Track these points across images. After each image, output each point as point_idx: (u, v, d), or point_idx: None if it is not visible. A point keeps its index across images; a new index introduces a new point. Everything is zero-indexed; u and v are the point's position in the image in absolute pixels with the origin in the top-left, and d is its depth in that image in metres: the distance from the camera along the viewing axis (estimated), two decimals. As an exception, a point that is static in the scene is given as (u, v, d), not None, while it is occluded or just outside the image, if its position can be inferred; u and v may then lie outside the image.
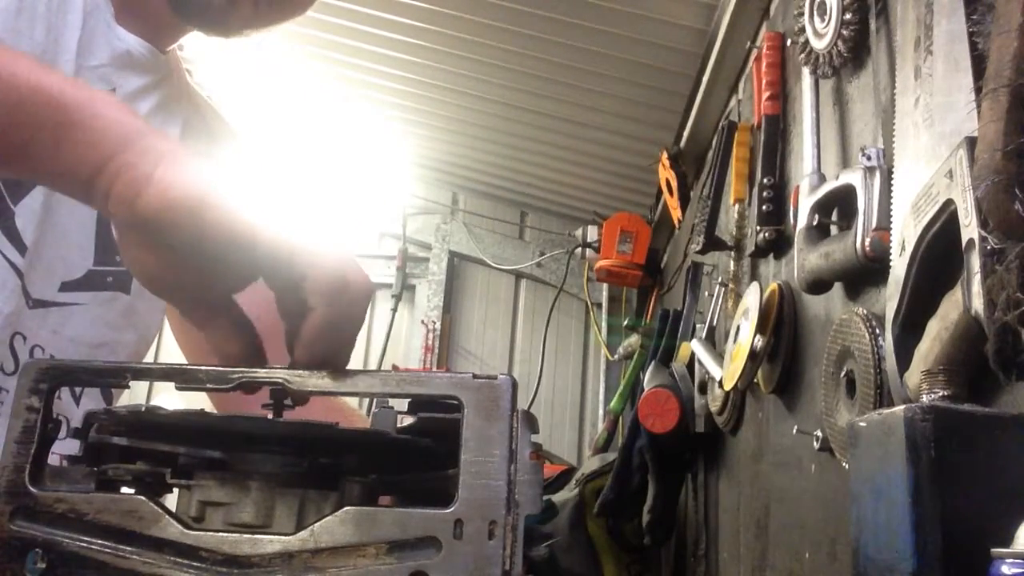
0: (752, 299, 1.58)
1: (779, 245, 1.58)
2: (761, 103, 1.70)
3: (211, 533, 0.57)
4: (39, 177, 0.66)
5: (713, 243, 1.99)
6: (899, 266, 0.93)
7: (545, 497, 0.59)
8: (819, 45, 1.31)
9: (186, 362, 1.09)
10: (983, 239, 0.74)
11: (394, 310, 4.01)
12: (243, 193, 0.60)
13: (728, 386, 1.67)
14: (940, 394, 0.76)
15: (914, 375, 0.87)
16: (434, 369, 3.83)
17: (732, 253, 1.93)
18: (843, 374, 1.13)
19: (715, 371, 1.79)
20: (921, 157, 0.94)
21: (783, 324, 1.49)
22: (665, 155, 2.73)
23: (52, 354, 0.98)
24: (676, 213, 2.80)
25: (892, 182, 1.01)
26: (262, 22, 1.04)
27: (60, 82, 0.64)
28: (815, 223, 1.25)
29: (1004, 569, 0.57)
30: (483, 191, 4.09)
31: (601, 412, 3.69)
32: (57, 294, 1.00)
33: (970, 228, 0.77)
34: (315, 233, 0.62)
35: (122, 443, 0.61)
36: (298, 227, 0.60)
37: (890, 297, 0.95)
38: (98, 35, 0.98)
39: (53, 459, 0.61)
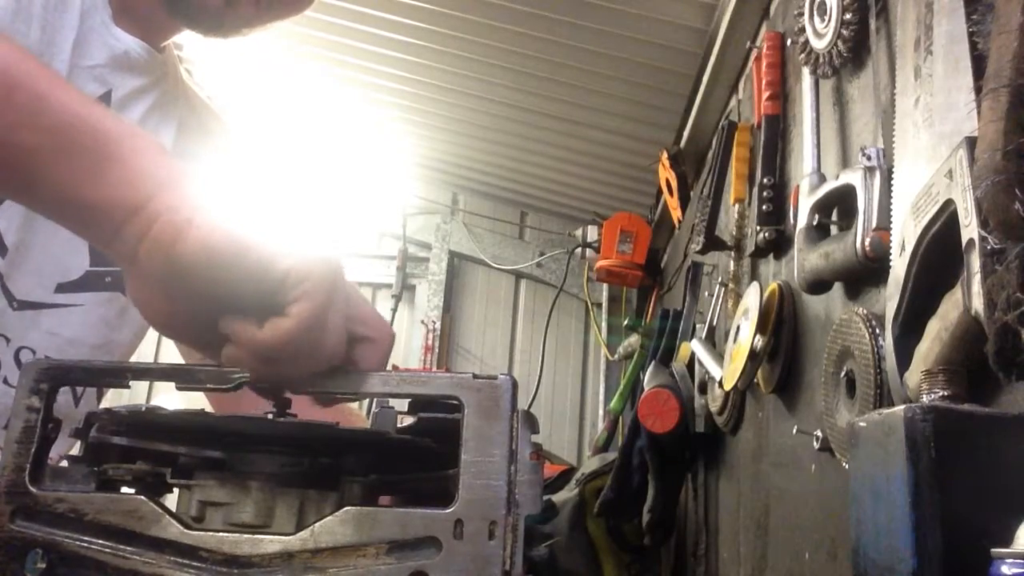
0: (752, 299, 1.58)
1: (779, 245, 1.58)
2: (761, 103, 1.70)
3: (211, 533, 0.57)
4: (68, 210, 0.63)
5: (713, 243, 1.99)
6: (899, 266, 0.93)
7: (545, 497, 0.59)
8: (819, 45, 1.31)
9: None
10: (983, 239, 0.74)
11: (394, 310, 4.01)
12: (280, 238, 0.59)
13: (728, 386, 1.67)
14: (940, 394, 0.76)
15: (914, 375, 0.87)
16: (434, 369, 3.83)
17: (732, 253, 1.93)
18: (843, 374, 1.13)
19: (715, 371, 1.79)
20: (921, 157, 0.94)
21: (783, 324, 1.49)
22: (665, 155, 2.73)
23: (47, 356, 0.97)
24: (676, 213, 2.80)
25: (892, 182, 1.01)
26: (261, 21, 1.04)
27: (104, 115, 0.63)
28: (815, 223, 1.25)
29: (1004, 569, 0.57)
30: (483, 191, 4.09)
31: (601, 412, 3.69)
32: (53, 296, 0.99)
33: (970, 228, 0.77)
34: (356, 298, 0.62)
35: (122, 443, 0.61)
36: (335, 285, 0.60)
37: (890, 297, 0.95)
38: (94, 35, 0.98)
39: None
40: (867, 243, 1.06)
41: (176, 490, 0.62)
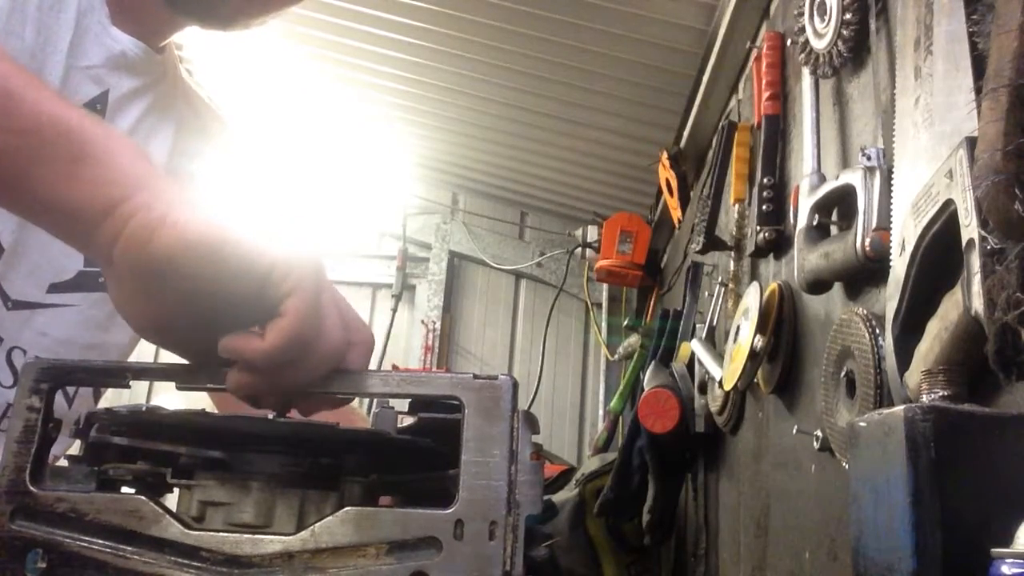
0: (752, 299, 1.58)
1: (779, 245, 1.58)
2: (761, 103, 1.70)
3: (212, 533, 0.57)
4: (43, 212, 0.62)
5: (713, 243, 1.99)
6: (899, 266, 0.93)
7: (545, 497, 0.59)
8: (819, 45, 1.31)
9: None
10: (983, 239, 0.74)
11: (394, 310, 4.01)
12: (259, 232, 0.59)
13: (728, 386, 1.67)
14: (940, 394, 0.76)
15: (914, 375, 0.87)
16: (434, 369, 3.83)
17: (732, 253, 1.93)
18: (843, 374, 1.13)
19: (715, 371, 1.79)
20: (921, 157, 0.94)
21: (783, 324, 1.49)
22: (665, 155, 2.73)
23: (37, 356, 0.97)
24: (676, 213, 2.80)
25: (892, 182, 1.01)
26: (257, 11, 1.03)
27: (79, 116, 0.62)
28: (815, 223, 1.25)
29: (1004, 569, 0.57)
30: (483, 191, 4.09)
31: (601, 412, 3.69)
32: (45, 296, 0.99)
33: (970, 228, 0.77)
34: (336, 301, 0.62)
35: (123, 443, 0.61)
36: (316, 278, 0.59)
37: (890, 297, 0.95)
38: (91, 36, 0.97)
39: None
40: (867, 243, 1.06)
41: (176, 490, 0.62)
